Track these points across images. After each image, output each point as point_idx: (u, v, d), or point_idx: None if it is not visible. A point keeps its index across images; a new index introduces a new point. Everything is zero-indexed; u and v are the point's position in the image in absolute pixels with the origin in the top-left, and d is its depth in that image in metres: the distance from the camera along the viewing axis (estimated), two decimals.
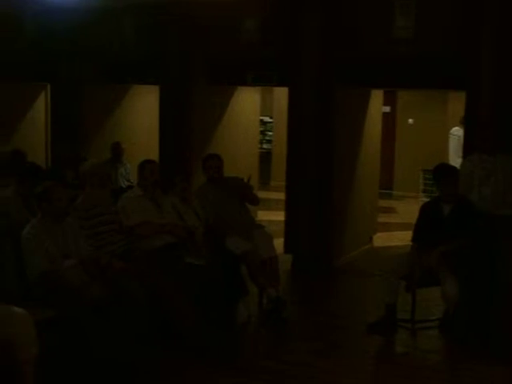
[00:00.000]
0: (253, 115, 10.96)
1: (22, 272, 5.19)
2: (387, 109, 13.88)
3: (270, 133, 17.11)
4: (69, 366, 4.95)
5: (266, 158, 15.52)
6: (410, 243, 6.50)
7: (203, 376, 5.26)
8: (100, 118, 10.83)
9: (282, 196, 11.32)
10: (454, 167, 6.76)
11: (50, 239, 5.20)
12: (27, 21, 10.68)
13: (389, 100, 13.71)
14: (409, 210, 11.90)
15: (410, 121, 15.31)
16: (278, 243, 7.65)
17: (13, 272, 5.20)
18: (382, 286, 6.39)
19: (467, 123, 7.84)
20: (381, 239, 10.35)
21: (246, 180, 7.02)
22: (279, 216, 9.98)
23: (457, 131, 11.05)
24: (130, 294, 5.22)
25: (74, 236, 5.36)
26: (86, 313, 4.90)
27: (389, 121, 14.48)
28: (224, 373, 5.31)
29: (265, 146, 16.87)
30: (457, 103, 11.95)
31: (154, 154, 9.49)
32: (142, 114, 11.32)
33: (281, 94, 14.45)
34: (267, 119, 16.81)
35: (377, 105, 9.84)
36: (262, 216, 10.64)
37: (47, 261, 5.12)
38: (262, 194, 7.91)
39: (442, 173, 6.37)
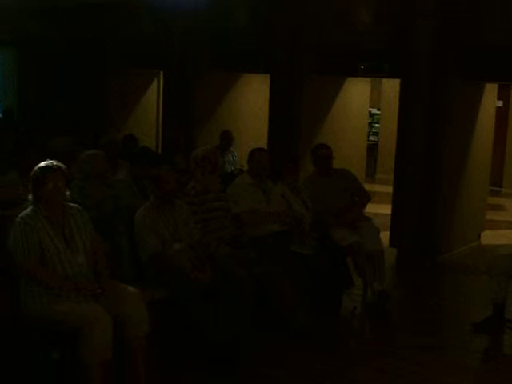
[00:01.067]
0: (362, 106, 10.86)
1: (135, 253, 5.36)
2: (500, 103, 13.45)
3: (377, 125, 16.88)
4: (175, 346, 5.09)
5: (371, 150, 15.34)
6: None
7: (303, 361, 5.32)
8: (210, 105, 10.99)
9: (387, 189, 11.21)
10: None
11: (162, 222, 5.35)
12: (143, 10, 10.97)
13: (502, 94, 13.29)
14: None
15: None
16: (383, 236, 7.58)
17: (127, 253, 5.38)
18: (489, 285, 6.23)
19: None
20: (488, 237, 10.06)
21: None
22: (384, 209, 9.88)
23: None
24: (237, 280, 5.30)
25: (184, 220, 5.48)
26: (196, 296, 5.00)
27: (501, 115, 14.03)
28: (324, 360, 5.35)
29: (371, 138, 16.68)
30: None
31: (262, 142, 9.57)
32: (251, 102, 11.41)
33: (389, 86, 14.25)
34: (374, 111, 16.59)
35: (491, 99, 9.55)
36: (367, 209, 10.52)
37: (159, 243, 5.26)
38: (366, 187, 7.84)
39: None
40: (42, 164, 4.46)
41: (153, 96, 12.38)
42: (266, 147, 8.74)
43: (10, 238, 4.37)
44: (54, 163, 4.46)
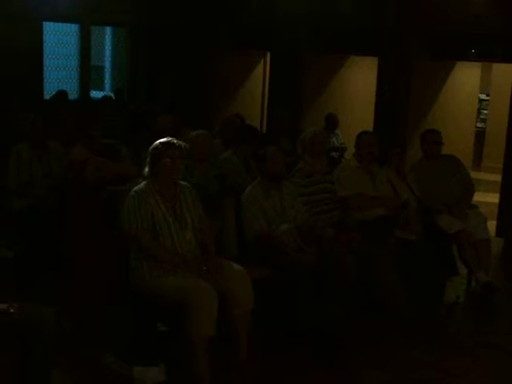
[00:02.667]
0: (471, 92, 10.60)
1: (241, 231, 5.42)
2: None
3: (485, 111, 16.38)
4: (278, 326, 5.13)
5: (478, 137, 14.91)
6: None
7: (399, 347, 5.25)
8: (316, 87, 10.97)
9: (493, 177, 10.88)
10: None
11: (269, 202, 5.39)
12: None
13: None
14: None
15: None
16: (490, 226, 7.36)
17: (232, 231, 5.46)
18: None
19: None
20: None
21: None
22: (490, 198, 9.61)
23: None
24: (341, 264, 5.29)
25: (291, 201, 5.50)
26: (300, 277, 5.02)
27: None
28: (420, 346, 5.27)
29: (478, 124, 16.20)
30: None
31: (368, 125, 9.47)
32: (358, 85, 11.31)
33: (500, 71, 13.78)
34: (483, 97, 16.10)
35: None
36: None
37: (264, 223, 5.31)
38: (472, 175, 7.64)
39: None
40: (164, 140, 4.57)
41: (258, 77, 12.44)
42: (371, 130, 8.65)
43: (123, 212, 4.51)
44: (175, 140, 4.56)
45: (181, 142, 4.58)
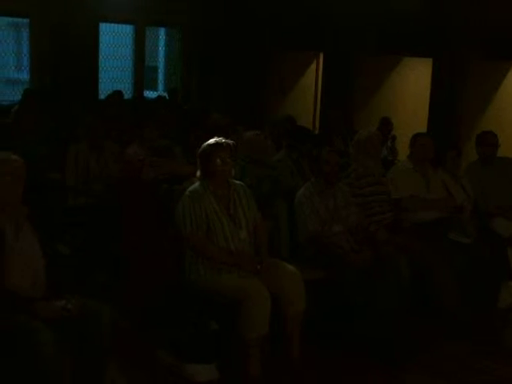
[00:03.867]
0: None
1: (294, 232, 5.44)
2: None
3: None
4: (330, 327, 5.13)
5: None
6: None
7: (454, 351, 5.19)
8: (369, 88, 10.91)
9: None
10: None
11: (322, 203, 5.39)
12: None
13: None
14: None
15: None
16: None
17: (285, 232, 5.48)
18: None
19: None
20: None
21: None
22: None
23: None
24: (395, 266, 5.26)
25: (345, 202, 5.49)
26: (352, 279, 5.01)
27: None
28: (475, 351, 5.20)
29: None
30: None
31: (422, 127, 9.38)
32: (412, 87, 11.20)
33: None
34: None
35: None
36: None
37: (318, 223, 5.31)
38: None
39: None
40: (212, 140, 4.61)
41: (311, 77, 12.42)
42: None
43: (177, 212, 4.57)
44: (224, 140, 4.60)
45: (229, 142, 4.62)
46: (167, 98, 11.57)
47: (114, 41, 12.84)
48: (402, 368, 4.87)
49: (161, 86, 14.23)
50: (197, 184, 4.62)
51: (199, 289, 4.55)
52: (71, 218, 5.86)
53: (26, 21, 11.50)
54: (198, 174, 4.64)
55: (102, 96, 11.57)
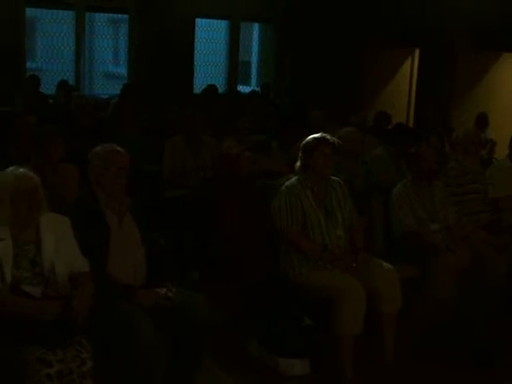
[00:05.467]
0: None
1: (389, 229, 5.38)
2: None
3: None
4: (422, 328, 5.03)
5: None
6: None
7: None
8: (467, 85, 10.67)
9: None
10: None
11: (419, 201, 5.30)
12: None
13: None
14: None
15: None
16: None
17: (380, 229, 5.43)
18: None
19: None
20: None
21: None
22: None
23: None
24: (492, 266, 5.12)
25: (441, 201, 5.39)
26: (446, 278, 4.91)
27: None
28: None
29: None
30: None
31: None
32: (510, 83, 10.90)
33: None
34: None
35: None
36: None
37: (414, 221, 5.23)
38: None
39: None
40: (317, 135, 4.60)
41: (405, 74, 12.25)
42: None
43: (274, 206, 4.59)
44: (328, 136, 4.59)
45: (334, 139, 4.60)
46: (260, 93, 11.63)
47: (209, 36, 13.00)
48: (496, 370, 4.75)
49: (254, 81, 14.31)
50: (294, 179, 4.62)
51: (293, 284, 4.56)
52: (167, 210, 5.97)
53: (124, 17, 11.79)
54: (297, 166, 4.63)
55: (196, 90, 11.74)
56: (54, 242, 3.57)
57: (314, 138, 4.57)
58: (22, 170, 3.58)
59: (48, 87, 10.52)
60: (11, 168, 3.60)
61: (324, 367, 4.54)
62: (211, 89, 10.55)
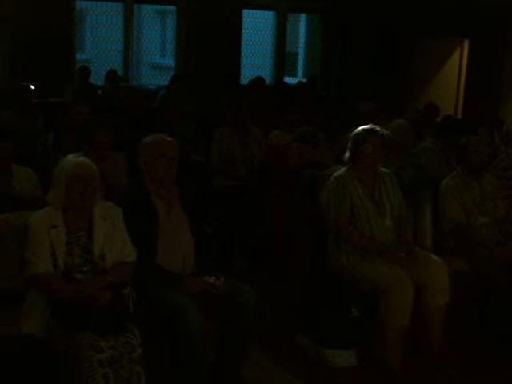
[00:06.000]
0: None
1: (437, 221, 5.32)
2: None
3: None
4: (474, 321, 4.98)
5: None
6: None
7: None
8: None
9: None
10: None
11: (468, 194, 5.24)
12: None
13: None
14: None
15: None
16: None
17: (428, 221, 5.36)
18: None
19: None
20: None
21: None
22: None
23: None
24: None
25: (491, 194, 5.31)
26: (497, 272, 4.84)
27: None
28: None
29: None
30: None
31: None
32: None
33: None
34: None
35: None
36: None
37: (462, 214, 5.17)
38: None
39: None
40: (367, 126, 4.58)
41: (454, 65, 12.07)
42: None
43: (322, 196, 4.58)
44: (378, 128, 4.56)
45: (384, 131, 4.57)
46: (306, 83, 11.59)
47: (256, 27, 12.99)
48: None
49: (300, 73, 14.28)
50: (343, 169, 4.61)
51: (341, 276, 4.55)
52: (215, 200, 6.00)
53: (171, 8, 11.86)
54: (346, 157, 4.61)
55: (243, 81, 11.76)
56: (105, 229, 3.64)
57: (364, 130, 4.56)
58: (81, 158, 3.65)
59: (97, 78, 10.65)
60: (71, 155, 3.68)
61: (371, 359, 4.53)
62: (259, 80, 10.55)
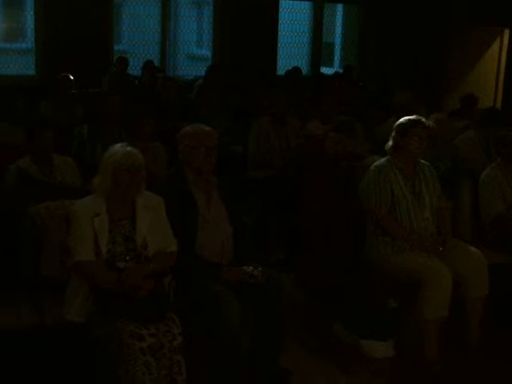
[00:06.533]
0: None
1: (477, 213, 5.27)
2: None
3: None
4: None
5: None
6: None
7: None
8: None
9: None
10: None
11: (508, 186, 5.18)
12: None
13: None
14: None
15: None
16: None
17: (468, 213, 5.32)
18: None
19: None
20: None
21: None
22: None
23: None
24: None
25: None
26: None
27: None
28: None
29: None
30: None
31: None
32: None
33: None
34: None
35: None
36: None
37: (503, 206, 5.11)
38: None
39: None
40: (413, 117, 4.54)
41: (494, 55, 11.92)
42: None
43: (362, 186, 4.57)
44: (424, 119, 4.54)
45: (429, 122, 4.54)
46: (342, 73, 11.54)
47: (293, 17, 12.95)
48: None
49: (337, 63, 14.20)
50: (383, 159, 4.59)
51: (379, 266, 4.54)
52: (252, 191, 6.02)
53: None
54: (389, 146, 4.59)
55: (279, 72, 11.74)
56: (148, 219, 3.68)
57: (410, 120, 4.52)
58: (129, 147, 3.69)
59: (134, 69, 10.71)
60: (120, 145, 3.72)
61: (408, 350, 4.51)
62: (295, 71, 10.52)
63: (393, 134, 4.56)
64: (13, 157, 5.11)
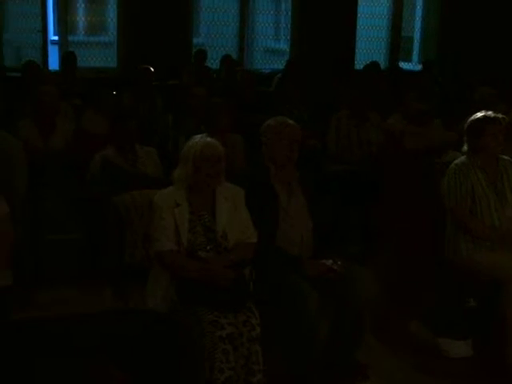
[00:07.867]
0: None
1: None
2: None
3: None
4: None
5: None
6: None
7: None
8: None
9: None
10: None
11: None
12: None
13: None
14: None
15: None
16: None
17: None
18: None
19: None
20: None
21: None
22: None
23: None
24: None
25: None
26: None
27: None
28: None
29: None
30: None
31: None
32: None
33: None
34: None
35: None
36: None
37: None
38: None
39: None
40: (481, 115, 4.44)
41: None
42: None
43: (443, 183, 4.50)
44: (494, 115, 4.43)
45: (501, 116, 4.43)
46: (422, 69, 11.37)
47: (371, 11, 12.84)
48: None
49: (415, 57, 14.00)
50: (464, 157, 4.51)
51: (459, 265, 4.47)
52: (330, 185, 6.01)
53: None
54: (465, 148, 4.51)
55: (357, 66, 11.66)
56: (228, 210, 3.72)
57: (479, 119, 4.41)
58: (209, 138, 3.74)
59: (212, 62, 10.81)
60: (199, 136, 3.77)
61: (487, 350, 4.44)
62: (374, 65, 10.42)
63: (465, 134, 4.47)
64: (95, 146, 5.24)
